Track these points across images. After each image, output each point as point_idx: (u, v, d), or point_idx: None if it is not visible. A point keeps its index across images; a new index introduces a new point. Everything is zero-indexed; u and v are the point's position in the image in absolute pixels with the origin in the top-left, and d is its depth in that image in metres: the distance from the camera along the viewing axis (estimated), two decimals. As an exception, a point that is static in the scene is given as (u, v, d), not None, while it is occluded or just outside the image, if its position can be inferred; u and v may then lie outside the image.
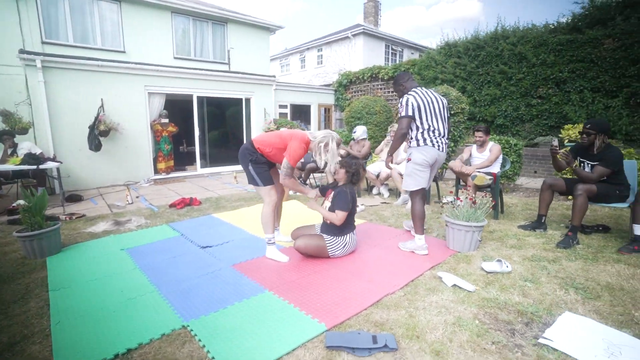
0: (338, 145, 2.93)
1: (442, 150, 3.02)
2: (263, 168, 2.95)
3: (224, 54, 10.43)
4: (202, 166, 8.64)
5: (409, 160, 3.05)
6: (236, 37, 10.53)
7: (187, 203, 5.22)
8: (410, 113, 2.90)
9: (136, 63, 7.35)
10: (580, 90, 7.32)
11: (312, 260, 2.91)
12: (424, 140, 2.96)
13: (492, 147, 4.09)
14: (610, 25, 7.09)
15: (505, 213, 4.28)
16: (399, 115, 2.98)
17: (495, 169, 4.08)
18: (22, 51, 6.10)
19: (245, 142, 8.88)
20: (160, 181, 7.61)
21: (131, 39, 8.76)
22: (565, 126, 6.93)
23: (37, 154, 5.68)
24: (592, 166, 3.12)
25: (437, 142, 2.99)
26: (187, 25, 9.72)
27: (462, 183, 4.32)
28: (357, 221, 4.07)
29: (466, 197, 2.93)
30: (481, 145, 4.20)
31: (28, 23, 7.45)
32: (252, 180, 2.96)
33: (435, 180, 5.17)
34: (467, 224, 2.85)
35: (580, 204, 2.97)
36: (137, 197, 5.95)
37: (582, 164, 3.25)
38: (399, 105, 3.01)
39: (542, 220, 3.49)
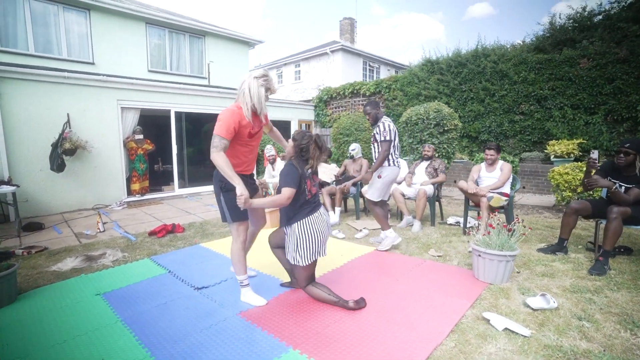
0: (267, 86, 2.33)
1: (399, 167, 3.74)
2: (232, 196, 2.29)
3: (202, 68, 9.96)
4: (180, 186, 8.01)
5: (379, 177, 3.63)
6: (215, 50, 10.12)
7: (169, 230, 4.66)
8: (391, 138, 3.51)
9: (108, 75, 6.76)
10: (560, 107, 7.51)
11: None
12: (393, 161, 3.62)
13: (503, 166, 3.93)
14: (578, 47, 7.42)
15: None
16: (384, 138, 3.50)
17: (506, 188, 3.91)
18: (-27, 60, 5.37)
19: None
20: (134, 204, 6.93)
21: (101, 50, 8.13)
22: (550, 142, 7.04)
23: None
24: (627, 188, 2.96)
25: (397, 162, 3.69)
26: (163, 37, 9.22)
27: (471, 204, 4.11)
28: (363, 249, 3.75)
29: (498, 224, 2.68)
30: (491, 164, 4.02)
31: (-20, 29, 6.69)
32: (222, 215, 2.49)
33: (438, 200, 4.96)
34: (501, 254, 2.59)
35: (614, 228, 2.80)
36: (105, 223, 5.27)
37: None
38: (380, 129, 3.53)
39: (564, 244, 3.31)
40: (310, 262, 2.36)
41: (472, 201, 4.06)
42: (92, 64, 8.01)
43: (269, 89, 2.36)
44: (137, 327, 2.26)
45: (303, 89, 16.11)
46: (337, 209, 4.96)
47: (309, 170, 2.38)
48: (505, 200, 3.72)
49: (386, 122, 3.55)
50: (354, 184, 5.15)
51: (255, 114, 2.36)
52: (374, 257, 3.50)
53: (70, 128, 6.20)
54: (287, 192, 2.23)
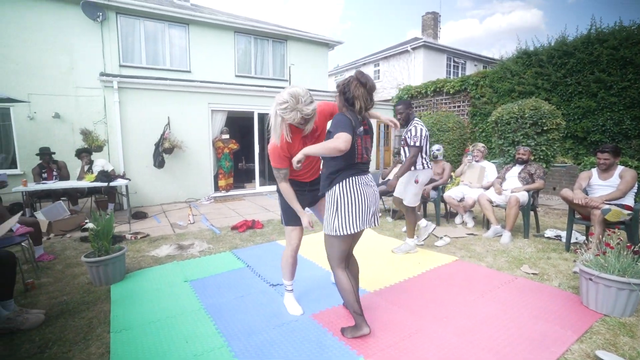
0: (284, 116, 1.95)
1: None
2: (283, 200, 2.34)
3: (283, 71, 10.41)
4: (261, 184, 8.48)
5: (416, 181, 3.52)
6: (296, 54, 10.49)
7: (250, 226, 4.94)
8: (422, 144, 3.43)
9: (201, 81, 7.47)
10: None
11: (406, 312, 2.36)
12: (427, 164, 3.55)
13: (624, 173, 3.24)
14: None
15: None
16: (413, 143, 3.40)
17: (629, 200, 3.22)
18: (102, 74, 6.43)
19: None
20: (220, 199, 7.54)
21: (196, 59, 9.03)
22: (693, 144, 5.66)
23: (109, 171, 5.84)
24: None
25: (429, 163, 3.61)
26: (249, 43, 9.87)
27: (577, 216, 3.50)
28: (443, 258, 3.46)
29: (619, 243, 2.20)
30: (605, 169, 3.36)
31: (109, 49, 7.96)
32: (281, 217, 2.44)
33: (534, 209, 4.35)
34: (623, 280, 2.11)
35: None
36: (194, 215, 5.81)
37: None
38: (412, 133, 3.43)
39: None
40: (349, 233, 1.94)
41: (578, 213, 3.44)
42: (189, 72, 8.95)
43: (287, 119, 1.97)
44: (217, 316, 2.40)
45: (382, 88, 15.78)
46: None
47: (359, 117, 1.97)
48: (629, 214, 3.06)
49: (418, 126, 3.44)
50: (435, 188, 4.82)
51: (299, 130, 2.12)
52: (455, 269, 3.20)
53: (169, 129, 7.01)
54: (343, 135, 1.78)
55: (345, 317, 2.32)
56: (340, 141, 1.77)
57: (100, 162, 5.98)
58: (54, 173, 5.49)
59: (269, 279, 3.03)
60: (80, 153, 5.89)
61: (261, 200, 7.48)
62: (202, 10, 9.73)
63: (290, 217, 2.36)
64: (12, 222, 2.27)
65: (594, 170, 3.47)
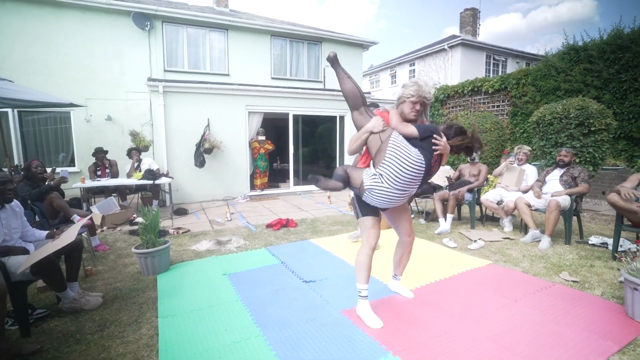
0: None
1: None
2: (360, 199, 2.30)
3: (318, 73, 10.57)
4: (295, 184, 8.69)
5: None
6: (330, 55, 10.59)
7: (284, 224, 5.10)
8: None
9: (239, 84, 7.79)
10: None
11: (437, 312, 2.38)
12: None
13: None
14: None
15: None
16: None
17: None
18: (149, 79, 6.91)
19: (337, 160, 8.64)
20: (255, 198, 7.82)
21: (234, 63, 9.41)
22: None
23: (155, 169, 6.26)
24: None
25: None
26: (284, 46, 10.11)
27: (626, 222, 3.30)
28: (477, 261, 3.41)
29: (668, 252, 2.09)
30: None
31: (155, 55, 8.51)
32: (355, 212, 2.37)
33: (577, 214, 4.14)
34: (671, 291, 2.00)
35: None
36: (232, 213, 6.10)
37: None
38: None
39: None
40: (392, 186, 2.05)
41: (628, 219, 3.25)
42: (227, 75, 9.34)
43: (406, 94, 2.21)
44: (253, 307, 2.55)
45: (416, 88, 15.50)
46: (449, 216, 4.62)
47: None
48: None
49: None
50: (470, 190, 4.72)
51: None
52: (488, 272, 3.14)
53: (209, 130, 7.38)
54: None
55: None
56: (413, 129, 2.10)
57: (147, 161, 6.43)
58: (107, 171, 5.98)
59: (303, 276, 3.15)
60: (131, 151, 6.36)
61: (295, 199, 7.66)
62: (240, 16, 10.11)
63: (366, 208, 2.26)
64: (78, 227, 2.57)
65: None
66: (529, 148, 4.74)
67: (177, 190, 7.26)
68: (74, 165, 7.78)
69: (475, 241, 3.96)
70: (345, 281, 3.01)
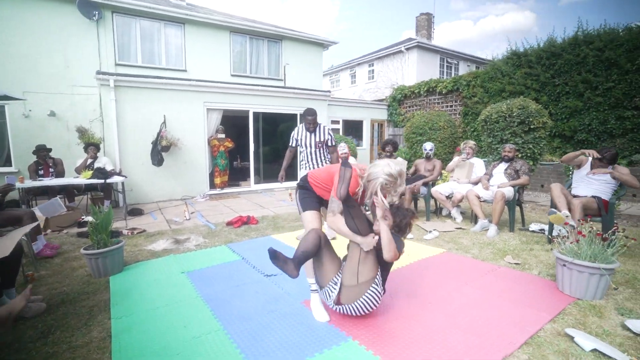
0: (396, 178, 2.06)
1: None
2: (308, 194, 2.39)
3: (278, 70, 10.52)
4: (256, 182, 8.59)
5: None
6: (291, 53, 10.60)
7: (245, 222, 5.04)
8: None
9: (197, 80, 7.55)
10: (690, 100, 6.22)
11: (394, 298, 2.49)
12: None
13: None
14: None
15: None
16: (332, 141, 4.09)
17: (607, 194, 3.39)
18: (98, 72, 6.49)
19: (298, 158, 8.67)
20: (215, 197, 7.64)
21: (192, 58, 9.10)
22: (674, 142, 5.87)
23: (110, 170, 5.92)
24: None
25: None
26: (244, 43, 9.95)
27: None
28: (432, 250, 3.60)
29: (590, 232, 2.35)
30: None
31: (105, 47, 8.01)
32: (298, 210, 2.43)
33: (520, 204, 4.51)
34: (593, 265, 2.26)
35: None
36: (192, 212, 5.93)
37: None
38: (330, 135, 4.07)
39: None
40: None
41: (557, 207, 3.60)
42: (185, 71, 9.01)
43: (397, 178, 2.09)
44: (213, 303, 2.51)
45: (376, 88, 15.94)
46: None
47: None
48: (570, 225, 3.15)
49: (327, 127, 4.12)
50: (425, 184, 4.97)
51: None
52: (442, 259, 3.34)
53: (166, 127, 7.09)
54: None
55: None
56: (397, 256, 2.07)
57: (103, 160, 6.03)
58: (51, 170, 5.55)
59: (264, 270, 3.15)
60: (88, 147, 5.93)
61: (257, 197, 7.58)
62: (198, 10, 9.81)
63: (307, 203, 2.36)
64: (19, 237, 2.36)
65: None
66: (474, 142, 5.09)
67: (132, 190, 6.90)
68: (10, 165, 7.11)
69: (430, 232, 4.19)
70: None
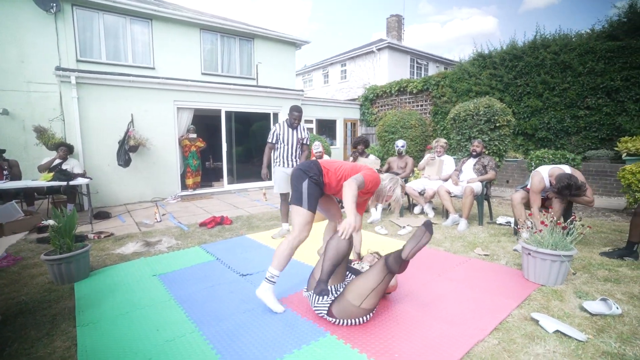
0: (402, 190, 2.50)
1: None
2: (316, 191, 2.35)
3: (250, 69, 10.39)
4: (229, 182, 8.43)
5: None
6: (263, 52, 10.50)
7: (218, 222, 4.94)
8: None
9: (166, 78, 7.31)
10: (636, 99, 6.74)
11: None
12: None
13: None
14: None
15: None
16: (307, 140, 4.20)
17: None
18: (58, 68, 6.12)
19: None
20: (187, 198, 7.43)
21: (160, 56, 8.81)
22: (622, 139, 6.34)
23: (79, 173, 5.62)
24: None
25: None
26: (215, 41, 9.76)
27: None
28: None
29: (552, 221, 2.50)
30: None
31: (65, 42, 7.59)
32: (297, 199, 2.32)
33: (487, 198, 4.71)
34: (555, 253, 2.40)
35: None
36: (164, 214, 5.74)
37: None
38: (307, 134, 4.20)
39: (634, 249, 2.98)
40: None
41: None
42: (153, 68, 8.71)
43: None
44: (187, 305, 2.45)
45: (349, 88, 16.11)
46: (380, 206, 4.91)
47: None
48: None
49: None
50: (397, 181, 5.07)
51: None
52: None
53: (133, 127, 6.81)
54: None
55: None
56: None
57: (72, 163, 5.70)
58: (5, 172, 5.18)
59: (239, 270, 3.10)
60: (59, 147, 5.58)
61: (230, 198, 7.45)
62: (166, 6, 9.49)
63: (313, 204, 2.32)
64: None
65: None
66: (445, 140, 5.26)
67: (97, 192, 6.57)
68: (-41, 168, 6.57)
69: (404, 227, 4.28)
70: (284, 271, 3.03)
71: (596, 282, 2.57)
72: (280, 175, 4.14)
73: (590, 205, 3.17)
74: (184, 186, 7.75)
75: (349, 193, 2.15)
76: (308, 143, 4.22)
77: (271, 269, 2.31)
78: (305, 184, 2.32)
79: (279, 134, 4.07)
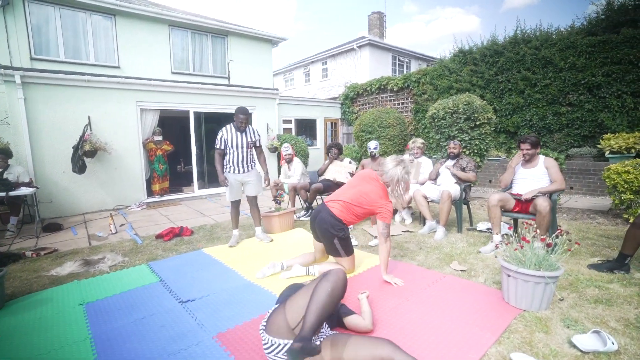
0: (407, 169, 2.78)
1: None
2: (346, 241, 2.84)
3: (224, 68, 9.90)
4: (200, 187, 7.95)
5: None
6: (237, 50, 10.02)
7: (177, 233, 4.49)
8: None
9: (127, 77, 6.78)
10: (618, 95, 6.55)
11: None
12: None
13: (549, 163, 3.30)
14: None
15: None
16: (259, 142, 3.96)
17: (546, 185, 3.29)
18: (0, 66, 5.54)
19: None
20: (153, 205, 6.92)
21: (126, 54, 8.25)
22: (605, 136, 6.13)
23: (27, 181, 5.08)
24: None
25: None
26: (186, 38, 9.24)
27: (505, 209, 3.51)
28: (375, 259, 3.31)
29: (534, 236, 2.15)
30: (529, 160, 3.41)
31: (16, 39, 6.98)
32: (335, 252, 2.84)
33: (467, 202, 4.38)
34: (538, 274, 2.06)
35: None
36: (121, 225, 5.26)
37: None
38: (259, 135, 3.97)
39: (626, 261, 2.67)
40: None
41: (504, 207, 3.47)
42: (118, 67, 8.15)
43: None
44: (104, 346, 2.02)
45: (330, 86, 15.75)
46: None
47: None
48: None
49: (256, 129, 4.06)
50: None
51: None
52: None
53: (90, 130, 6.28)
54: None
55: (250, 340, 2.03)
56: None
57: (15, 170, 5.14)
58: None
59: (181, 295, 2.67)
60: None
61: (199, 204, 6.98)
62: (130, 0, 8.92)
63: (349, 250, 2.88)
64: None
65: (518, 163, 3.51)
66: (422, 141, 4.93)
67: (51, 201, 6.03)
68: None
69: (375, 237, 3.91)
70: (231, 296, 2.63)
71: (586, 304, 2.23)
72: (232, 183, 3.84)
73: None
74: (151, 192, 7.23)
75: (386, 256, 2.75)
76: (260, 145, 3.97)
77: (315, 267, 2.92)
78: (336, 242, 2.77)
79: (227, 139, 3.75)
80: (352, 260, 2.89)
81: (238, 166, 3.81)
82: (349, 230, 3.06)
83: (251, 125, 3.91)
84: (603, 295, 2.33)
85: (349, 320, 1.96)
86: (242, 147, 3.77)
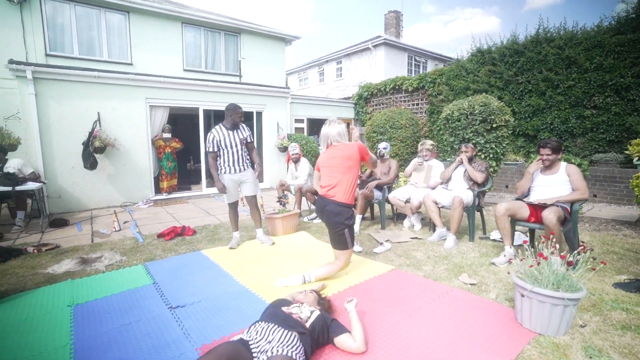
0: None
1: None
2: (352, 227, 2.84)
3: (236, 66, 9.84)
4: (208, 185, 7.89)
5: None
6: (250, 48, 9.95)
7: (178, 233, 4.41)
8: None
9: (136, 74, 6.78)
10: (649, 99, 6.14)
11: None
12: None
13: (571, 170, 3.04)
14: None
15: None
16: (250, 137, 3.86)
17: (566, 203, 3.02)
18: (11, 61, 5.59)
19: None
20: (161, 202, 6.90)
21: (139, 51, 8.28)
22: (634, 141, 5.71)
23: (28, 173, 5.10)
24: None
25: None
26: (199, 36, 9.22)
27: (519, 218, 3.26)
28: (379, 268, 3.13)
29: (552, 252, 1.93)
30: (549, 166, 3.15)
31: (32, 35, 7.08)
32: (342, 244, 2.79)
33: (480, 209, 4.13)
34: (556, 295, 1.84)
35: None
36: (125, 222, 5.22)
37: None
38: (249, 131, 3.87)
39: (657, 280, 2.41)
40: None
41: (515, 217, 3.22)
42: (131, 64, 8.18)
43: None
44: (83, 354, 1.91)
45: (344, 86, 15.54)
46: (358, 217, 4.35)
47: None
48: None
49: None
50: (380, 188, 4.52)
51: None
52: (389, 280, 2.86)
53: (100, 126, 6.29)
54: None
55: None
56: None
57: (14, 163, 5.17)
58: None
59: (172, 299, 2.56)
60: None
61: (206, 202, 6.92)
62: (145, -2, 8.94)
63: (353, 239, 2.89)
64: None
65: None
66: (432, 142, 4.70)
67: (60, 196, 6.07)
68: None
69: (381, 243, 3.72)
70: (223, 302, 2.49)
71: (611, 330, 1.98)
72: (229, 183, 3.73)
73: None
74: (158, 190, 7.22)
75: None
76: (252, 140, 3.89)
77: (310, 272, 2.80)
78: (346, 232, 2.76)
79: (219, 140, 3.64)
80: (350, 253, 2.88)
81: (233, 166, 3.69)
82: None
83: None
84: (632, 320, 2.08)
85: (339, 341, 1.79)
86: (236, 146, 3.66)
